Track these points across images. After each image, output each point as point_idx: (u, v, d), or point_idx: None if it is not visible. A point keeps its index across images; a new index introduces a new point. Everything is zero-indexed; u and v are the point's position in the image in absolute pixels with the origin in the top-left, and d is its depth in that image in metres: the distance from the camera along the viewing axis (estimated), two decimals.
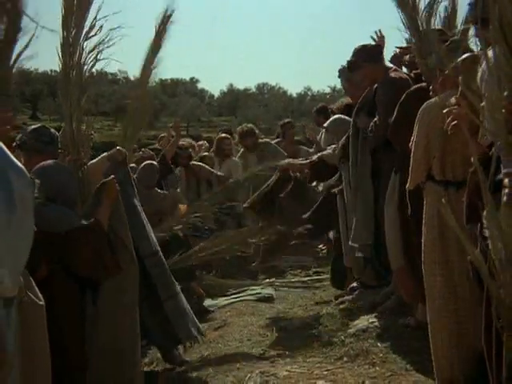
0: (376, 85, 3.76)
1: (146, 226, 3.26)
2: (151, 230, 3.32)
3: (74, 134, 2.94)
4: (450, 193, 2.54)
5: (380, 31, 3.96)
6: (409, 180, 2.76)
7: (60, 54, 2.84)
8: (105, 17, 2.87)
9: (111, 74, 35.65)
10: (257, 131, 6.52)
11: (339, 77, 4.54)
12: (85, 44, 2.86)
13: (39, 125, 3.41)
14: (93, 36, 2.86)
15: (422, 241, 2.71)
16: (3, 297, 1.33)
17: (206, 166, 5.95)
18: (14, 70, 2.41)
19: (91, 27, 2.84)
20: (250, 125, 6.62)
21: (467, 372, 2.51)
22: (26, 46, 2.28)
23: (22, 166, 1.44)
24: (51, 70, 38.05)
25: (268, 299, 4.74)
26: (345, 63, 4.24)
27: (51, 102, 30.51)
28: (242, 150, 6.52)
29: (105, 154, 3.30)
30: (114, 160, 3.21)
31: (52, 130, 3.24)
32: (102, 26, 2.85)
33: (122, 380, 2.78)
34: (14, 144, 3.19)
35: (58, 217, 2.59)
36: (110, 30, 2.86)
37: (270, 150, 6.27)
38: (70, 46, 2.81)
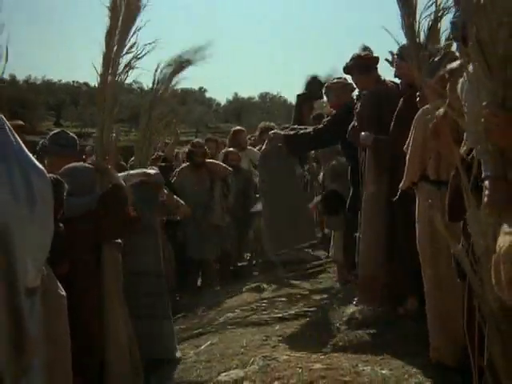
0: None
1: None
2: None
3: (102, 141, 2.95)
4: (443, 192, 2.52)
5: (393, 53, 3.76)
6: (403, 180, 2.73)
7: (101, 67, 2.86)
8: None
9: (127, 84, 35.70)
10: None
11: (325, 93, 4.48)
12: (121, 59, 2.88)
13: (58, 130, 3.43)
14: (129, 52, 2.88)
15: (417, 236, 2.70)
16: (26, 287, 1.34)
17: (223, 165, 5.38)
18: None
19: (131, 45, 2.87)
20: (271, 123, 6.18)
21: (455, 358, 2.51)
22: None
23: (42, 167, 1.45)
24: (73, 81, 38.18)
25: (256, 289, 4.72)
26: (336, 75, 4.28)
27: (73, 110, 30.59)
28: (259, 145, 5.91)
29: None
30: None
31: (70, 134, 3.26)
32: (135, 43, 2.87)
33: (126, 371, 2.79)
34: (38, 148, 3.22)
35: (77, 205, 2.65)
36: (145, 45, 2.87)
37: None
38: (111, 61, 2.83)
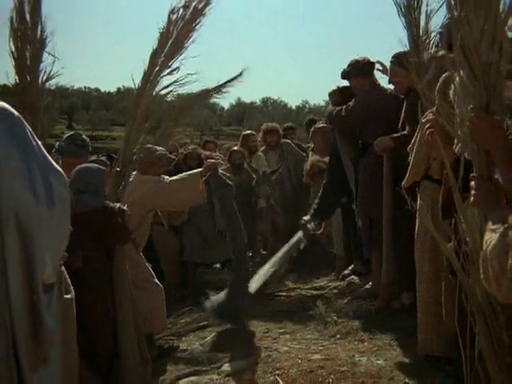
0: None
1: None
2: None
3: (126, 150, 2.97)
4: None
5: (380, 62, 3.80)
6: (406, 178, 2.68)
7: (139, 83, 2.88)
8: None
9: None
10: (280, 131, 5.69)
11: (311, 137, 4.48)
12: (161, 80, 2.90)
13: (73, 132, 3.46)
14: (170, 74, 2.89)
15: (415, 231, 2.67)
16: (44, 283, 1.36)
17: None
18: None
19: (173, 70, 2.87)
20: (274, 124, 5.76)
21: (445, 349, 2.51)
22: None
23: (60, 169, 1.46)
24: (85, 87, 38.28)
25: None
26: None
27: (84, 114, 30.67)
28: (263, 147, 5.67)
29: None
30: None
31: (84, 136, 3.29)
32: (178, 68, 2.88)
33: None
34: (54, 150, 3.24)
35: (86, 203, 2.67)
36: (188, 74, 2.88)
37: (290, 150, 5.58)
38: (150, 79, 2.85)
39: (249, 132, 5.96)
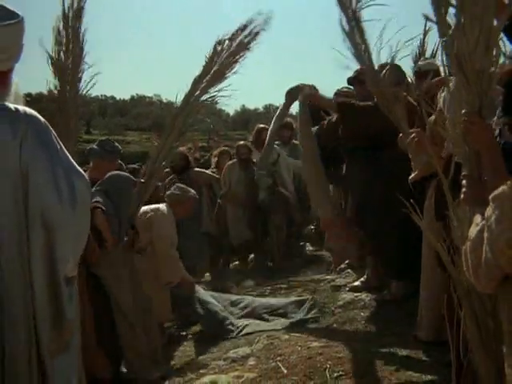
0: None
1: None
2: None
3: (155, 162, 2.97)
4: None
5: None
6: (415, 173, 2.52)
7: (180, 102, 2.94)
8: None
9: (148, 97, 35.93)
10: (294, 126, 5.16)
11: None
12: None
13: (105, 138, 3.50)
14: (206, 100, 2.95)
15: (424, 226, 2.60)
16: (66, 277, 1.36)
17: (207, 172, 5.07)
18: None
19: (211, 97, 2.92)
20: (289, 119, 5.29)
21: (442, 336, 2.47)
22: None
23: (82, 171, 1.47)
24: (101, 95, 38.43)
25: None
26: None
27: (101, 120, 30.77)
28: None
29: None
30: None
31: (115, 143, 3.32)
32: (215, 96, 2.93)
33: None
34: (86, 151, 3.28)
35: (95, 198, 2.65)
36: (224, 97, 2.96)
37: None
38: (189, 101, 2.89)
39: (262, 126, 5.52)
